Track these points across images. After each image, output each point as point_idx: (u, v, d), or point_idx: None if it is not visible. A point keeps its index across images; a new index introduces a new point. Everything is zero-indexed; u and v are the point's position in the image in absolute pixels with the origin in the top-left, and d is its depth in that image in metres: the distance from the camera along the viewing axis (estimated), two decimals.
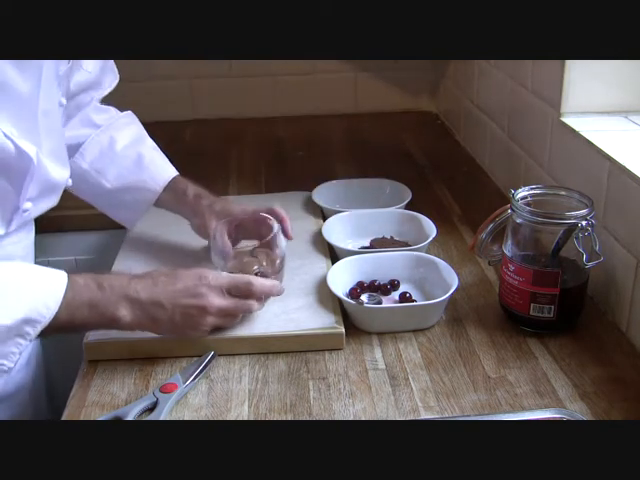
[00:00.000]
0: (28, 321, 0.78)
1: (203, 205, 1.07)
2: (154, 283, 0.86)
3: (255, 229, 1.02)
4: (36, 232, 1.02)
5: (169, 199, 1.10)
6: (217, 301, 0.87)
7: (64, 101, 0.96)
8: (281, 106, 1.84)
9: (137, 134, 1.14)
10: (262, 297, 0.91)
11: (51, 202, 0.95)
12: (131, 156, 1.10)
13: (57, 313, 0.79)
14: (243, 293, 0.89)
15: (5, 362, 0.78)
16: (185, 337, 0.89)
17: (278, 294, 0.93)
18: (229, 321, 0.90)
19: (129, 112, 1.17)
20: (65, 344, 1.07)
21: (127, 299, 0.84)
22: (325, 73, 1.82)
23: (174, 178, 1.11)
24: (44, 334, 0.80)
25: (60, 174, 0.94)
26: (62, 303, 0.80)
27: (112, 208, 1.14)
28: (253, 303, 0.90)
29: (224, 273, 0.91)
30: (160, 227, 1.19)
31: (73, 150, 1.08)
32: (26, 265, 0.85)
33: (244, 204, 1.09)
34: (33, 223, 1.00)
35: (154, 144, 1.14)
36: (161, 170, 1.11)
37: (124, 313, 0.83)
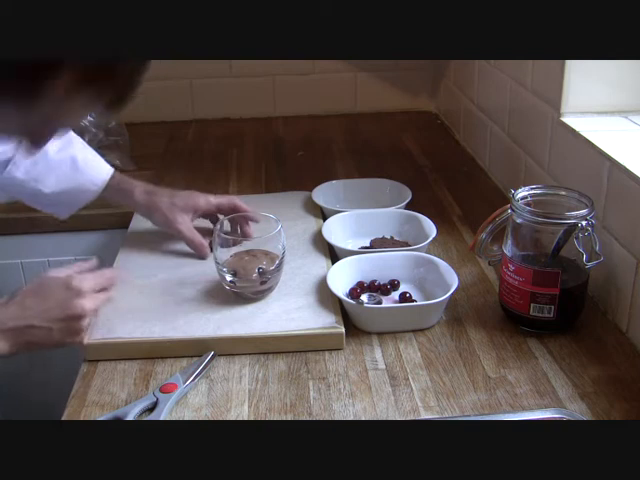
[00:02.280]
0: None
1: (163, 202, 1.10)
2: (22, 308, 0.85)
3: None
4: (36, 232, 1.03)
5: (119, 200, 1.13)
6: (88, 304, 0.87)
7: None
8: (281, 106, 1.84)
9: (65, 137, 1.13)
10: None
11: None
12: (65, 160, 1.11)
13: None
14: (107, 285, 0.91)
15: None
16: (67, 346, 0.89)
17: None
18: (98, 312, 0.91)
19: None
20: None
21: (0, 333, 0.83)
22: (325, 73, 1.82)
23: (118, 178, 1.13)
24: None
25: None
26: None
27: (50, 207, 1.15)
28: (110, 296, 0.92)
29: (87, 274, 0.91)
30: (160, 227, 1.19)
31: (2, 165, 1.08)
32: None
33: (207, 195, 1.13)
34: None
35: (84, 143, 1.15)
36: (97, 171, 1.12)
37: (2, 347, 0.83)
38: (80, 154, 1.12)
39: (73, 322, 0.87)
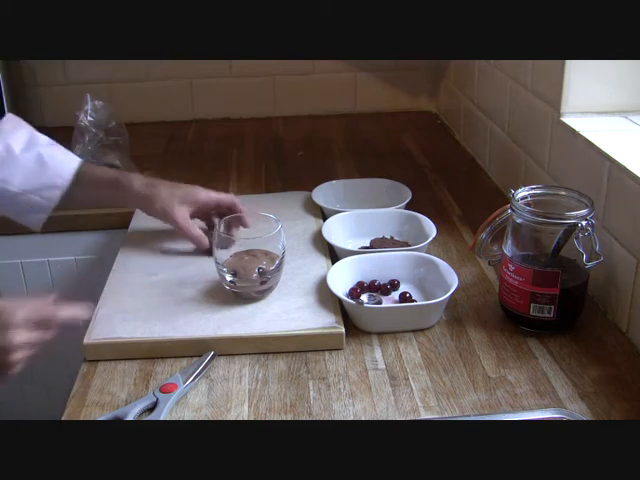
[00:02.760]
0: None
1: (162, 192, 1.09)
2: None
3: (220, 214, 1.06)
4: (36, 232, 1.03)
5: (114, 194, 1.11)
6: (18, 338, 0.78)
7: None
8: (281, 106, 1.84)
9: (29, 134, 1.12)
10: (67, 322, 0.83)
11: None
12: (31, 158, 1.09)
13: None
14: (46, 320, 0.81)
15: None
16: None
17: (82, 318, 0.84)
18: (33, 351, 0.80)
19: (10, 115, 1.15)
20: (65, 344, 1.07)
21: None
22: (325, 73, 1.82)
23: (111, 175, 1.11)
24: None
25: None
26: None
27: (19, 213, 1.12)
28: (53, 332, 0.81)
29: (23, 304, 0.81)
30: (160, 227, 1.19)
31: None
32: None
33: (208, 190, 1.12)
34: None
35: (49, 139, 1.13)
36: (63, 164, 1.10)
37: None
38: (45, 150, 1.10)
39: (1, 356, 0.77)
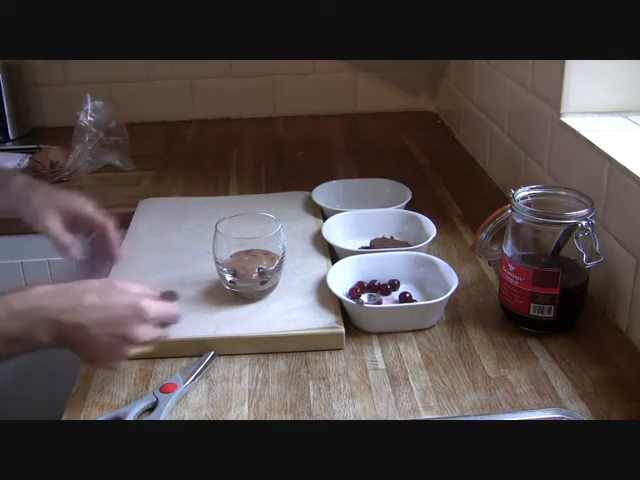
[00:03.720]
0: None
1: (38, 195, 1.02)
2: (81, 301, 0.78)
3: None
4: (36, 232, 1.02)
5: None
6: (146, 335, 0.80)
7: None
8: (281, 106, 1.84)
9: None
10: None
11: None
12: None
13: None
14: (170, 321, 0.84)
15: None
16: (100, 366, 0.85)
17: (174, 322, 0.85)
18: (144, 348, 0.83)
19: None
20: None
21: (45, 322, 0.76)
22: (325, 73, 1.82)
23: None
24: None
25: None
26: None
27: None
28: (167, 334, 0.84)
29: (156, 303, 0.82)
30: (160, 227, 1.19)
31: None
32: None
33: (88, 201, 1.03)
34: None
35: None
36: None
37: (42, 336, 0.76)
38: None
39: (122, 344, 0.79)
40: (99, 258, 1.02)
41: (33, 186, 1.04)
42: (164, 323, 0.83)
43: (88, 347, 0.79)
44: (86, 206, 1.01)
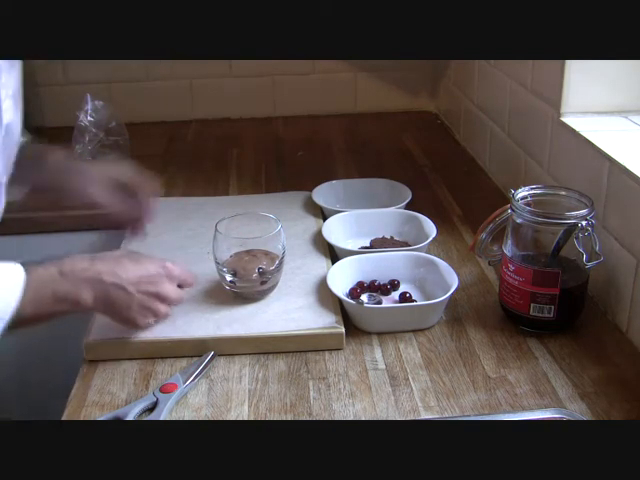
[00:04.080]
0: None
1: (78, 167, 1.04)
2: (117, 265, 0.86)
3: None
4: (36, 232, 1.02)
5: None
6: (175, 292, 0.90)
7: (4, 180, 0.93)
8: (281, 106, 1.84)
9: None
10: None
11: None
12: None
13: (20, 308, 0.79)
14: (186, 285, 0.93)
15: None
16: (134, 326, 0.89)
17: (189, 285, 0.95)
18: (169, 312, 0.91)
19: None
20: (65, 344, 1.07)
21: (89, 282, 0.84)
22: (325, 73, 1.82)
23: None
24: (11, 329, 0.79)
25: None
26: (24, 297, 0.79)
27: None
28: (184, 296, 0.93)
29: (178, 267, 0.92)
30: (160, 227, 1.19)
31: None
32: None
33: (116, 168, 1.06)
34: None
35: None
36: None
37: (86, 296, 0.83)
38: None
39: (156, 301, 0.88)
40: (130, 225, 1.07)
41: (72, 158, 1.07)
42: (182, 285, 0.92)
43: (125, 305, 0.86)
44: (126, 173, 1.05)
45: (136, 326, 0.89)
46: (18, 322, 0.79)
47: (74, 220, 1.33)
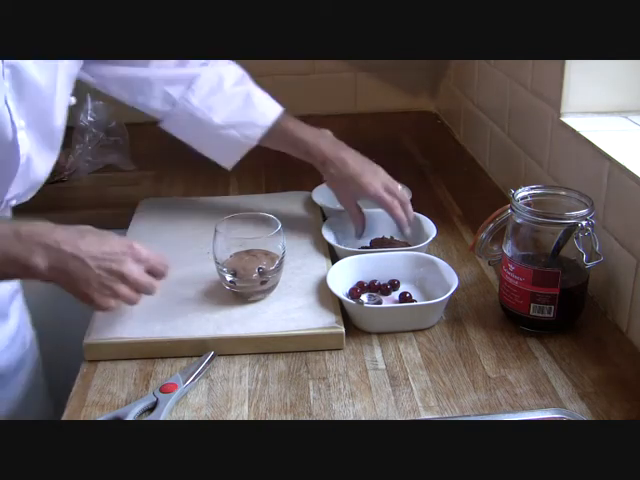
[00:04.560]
0: None
1: (331, 173, 1.11)
2: (80, 237, 0.83)
3: None
4: None
5: (282, 145, 1.17)
6: (138, 272, 0.85)
7: (73, 100, 0.97)
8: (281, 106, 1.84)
9: (241, 73, 1.16)
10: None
11: (32, 194, 0.97)
12: (240, 93, 1.13)
13: None
14: (157, 273, 0.88)
15: None
16: (92, 303, 0.85)
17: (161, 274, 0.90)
18: (134, 298, 0.87)
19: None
20: (65, 344, 1.07)
21: (45, 247, 0.81)
22: (325, 73, 1.82)
23: (297, 137, 1.15)
24: None
25: (44, 171, 0.95)
26: None
27: (214, 147, 1.16)
28: (157, 286, 0.88)
29: (147, 250, 0.88)
30: (160, 227, 1.19)
31: (183, 85, 1.10)
32: None
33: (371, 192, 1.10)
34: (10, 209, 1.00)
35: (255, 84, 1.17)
36: (268, 107, 1.15)
37: (39, 261, 0.80)
38: (255, 91, 1.14)
39: (118, 281, 0.83)
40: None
41: (330, 150, 1.13)
42: (154, 273, 0.87)
43: (82, 279, 0.82)
44: (371, 187, 1.09)
45: (94, 304, 0.84)
46: None
47: (74, 220, 1.33)
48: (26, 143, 0.88)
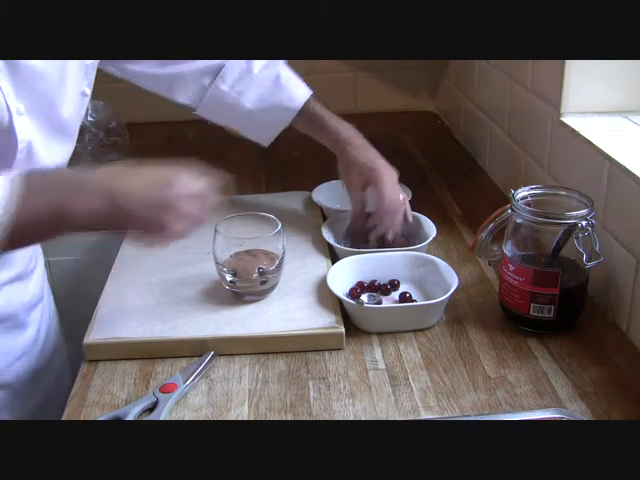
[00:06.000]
0: None
1: (349, 154, 1.12)
2: (127, 172, 0.84)
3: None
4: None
5: (318, 139, 1.15)
6: (190, 206, 0.83)
7: (88, 91, 0.97)
8: None
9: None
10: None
11: None
12: (269, 76, 1.14)
13: (14, 213, 0.71)
14: (207, 203, 0.86)
15: None
16: (146, 238, 0.84)
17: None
18: (188, 229, 0.83)
19: None
20: (65, 344, 1.07)
21: (96, 184, 0.78)
22: (325, 73, 1.82)
23: (323, 123, 1.14)
24: (9, 245, 0.73)
25: (54, 161, 0.94)
26: (18, 201, 0.72)
27: (248, 128, 1.18)
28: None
29: (200, 182, 0.88)
30: None
31: (213, 73, 1.13)
32: None
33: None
34: None
35: (285, 64, 1.17)
36: (297, 89, 1.15)
37: (93, 199, 0.77)
38: (284, 72, 1.14)
39: (168, 210, 0.81)
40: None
41: (349, 142, 1.13)
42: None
43: (135, 216, 0.80)
44: (382, 177, 1.09)
45: (152, 241, 0.84)
46: (14, 232, 0.72)
47: None
48: (26, 129, 0.87)
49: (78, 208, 0.76)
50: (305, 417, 0.81)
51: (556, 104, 1.10)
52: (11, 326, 1.02)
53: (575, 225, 0.89)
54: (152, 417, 0.80)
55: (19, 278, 1.02)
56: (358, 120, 1.79)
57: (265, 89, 1.13)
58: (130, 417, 0.80)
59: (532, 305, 0.92)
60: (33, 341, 1.06)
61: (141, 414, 0.82)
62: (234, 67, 1.13)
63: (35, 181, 0.76)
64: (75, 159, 1.46)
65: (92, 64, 0.97)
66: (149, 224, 0.80)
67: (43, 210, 0.75)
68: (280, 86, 1.13)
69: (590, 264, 0.90)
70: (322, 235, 1.12)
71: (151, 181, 0.84)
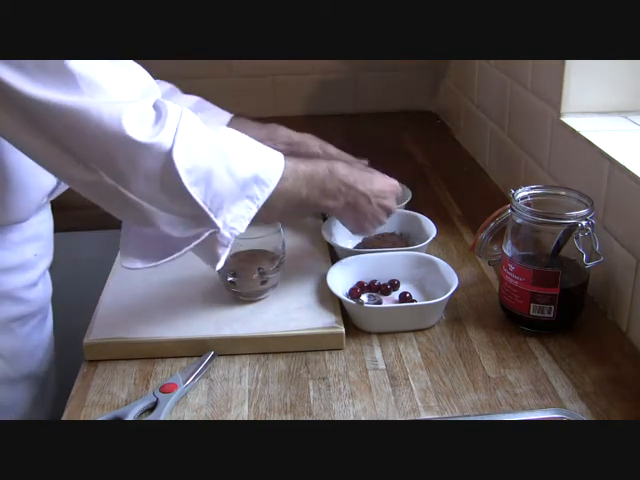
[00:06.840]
0: (257, 180, 0.83)
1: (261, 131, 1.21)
2: (366, 177, 0.96)
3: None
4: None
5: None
6: (395, 207, 1.00)
7: None
8: (281, 106, 1.84)
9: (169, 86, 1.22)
10: None
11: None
12: (191, 100, 1.21)
13: (282, 180, 0.85)
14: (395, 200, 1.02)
15: (235, 226, 0.84)
16: (363, 232, 1.02)
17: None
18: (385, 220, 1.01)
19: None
20: (65, 344, 1.07)
21: (346, 186, 0.93)
22: (325, 73, 1.82)
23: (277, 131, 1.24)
24: (270, 208, 0.85)
25: None
26: (298, 180, 0.88)
27: None
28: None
29: (392, 180, 1.02)
30: None
31: None
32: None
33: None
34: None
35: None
36: (220, 112, 1.22)
37: (340, 197, 0.93)
38: (207, 103, 1.22)
39: (383, 212, 0.98)
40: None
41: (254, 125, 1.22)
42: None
43: (365, 213, 0.97)
44: (302, 135, 1.21)
45: (364, 232, 1.02)
46: (278, 196, 0.86)
47: (74, 220, 1.33)
48: None
49: (325, 207, 0.94)
50: (305, 417, 0.81)
51: (556, 104, 1.10)
52: (42, 318, 1.06)
53: (575, 225, 0.89)
54: (152, 417, 0.80)
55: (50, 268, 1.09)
56: (358, 120, 1.81)
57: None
58: (130, 417, 0.80)
59: (532, 305, 0.92)
60: (51, 333, 1.10)
61: (141, 414, 0.82)
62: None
63: (291, 170, 0.88)
64: None
65: None
66: (371, 215, 0.97)
67: (295, 199, 0.89)
68: (204, 107, 1.21)
69: (590, 264, 0.90)
70: (322, 235, 1.12)
71: (369, 178, 0.97)
